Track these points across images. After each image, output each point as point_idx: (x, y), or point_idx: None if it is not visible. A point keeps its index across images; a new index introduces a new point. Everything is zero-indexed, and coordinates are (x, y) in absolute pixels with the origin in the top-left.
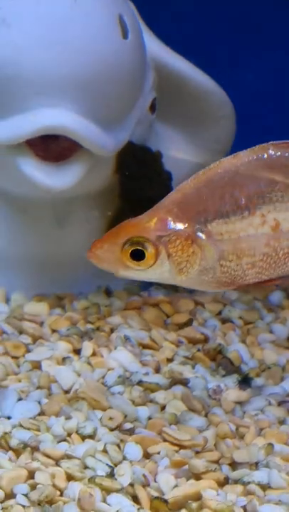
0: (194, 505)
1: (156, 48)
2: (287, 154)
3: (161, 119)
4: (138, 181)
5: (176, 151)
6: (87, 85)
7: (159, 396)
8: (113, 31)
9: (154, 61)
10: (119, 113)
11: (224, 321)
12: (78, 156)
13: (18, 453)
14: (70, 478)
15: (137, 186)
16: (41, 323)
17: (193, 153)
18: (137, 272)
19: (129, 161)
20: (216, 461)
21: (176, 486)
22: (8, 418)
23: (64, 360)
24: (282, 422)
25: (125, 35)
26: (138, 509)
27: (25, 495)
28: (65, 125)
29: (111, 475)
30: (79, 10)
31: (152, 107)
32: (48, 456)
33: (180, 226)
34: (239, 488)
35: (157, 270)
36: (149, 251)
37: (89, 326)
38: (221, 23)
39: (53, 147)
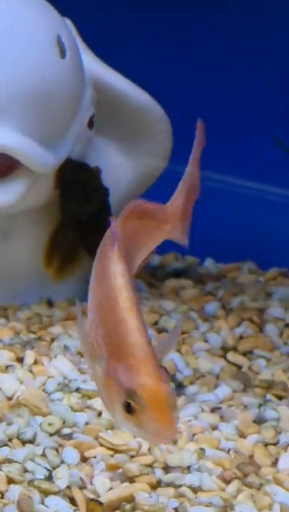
0: (128, 506)
1: (94, 66)
2: None
3: (99, 134)
4: (77, 197)
5: (114, 166)
6: (26, 104)
7: (96, 402)
8: (51, 51)
9: (92, 78)
10: (58, 130)
11: (160, 331)
12: (19, 173)
13: None
14: (10, 481)
15: (76, 202)
16: None
17: (132, 168)
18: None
19: (68, 177)
20: (150, 465)
21: (111, 488)
22: None
23: (7, 368)
24: (214, 428)
25: (63, 55)
26: (74, 510)
27: None
28: (5, 143)
29: (49, 478)
30: (17, 31)
31: (90, 123)
32: None
33: None
34: (171, 490)
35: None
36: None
37: (31, 335)
38: None
39: None
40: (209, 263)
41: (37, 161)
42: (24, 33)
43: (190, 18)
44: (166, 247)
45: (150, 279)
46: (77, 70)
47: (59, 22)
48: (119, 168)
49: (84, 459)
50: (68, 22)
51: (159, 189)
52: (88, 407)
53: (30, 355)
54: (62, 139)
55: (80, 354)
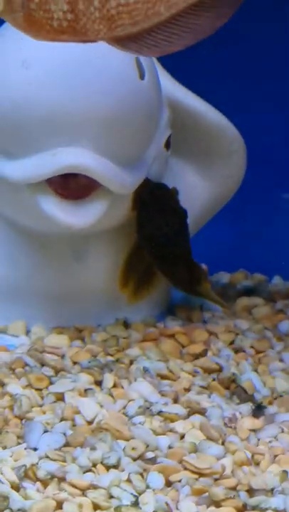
0: None
1: (170, 87)
2: None
3: (175, 155)
4: (154, 218)
5: (190, 186)
6: (106, 125)
7: (179, 425)
8: (130, 72)
9: (168, 99)
10: (136, 151)
11: (237, 351)
12: (97, 194)
13: (45, 484)
14: (96, 507)
15: (154, 223)
16: (62, 356)
17: (207, 189)
18: None
19: (146, 198)
20: (234, 488)
21: None
22: (35, 450)
23: (86, 391)
24: None
25: (142, 76)
26: None
27: None
28: (85, 164)
29: (136, 504)
30: (97, 52)
31: (167, 144)
32: (74, 486)
33: None
34: None
35: None
36: None
37: (109, 358)
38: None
39: (72, 185)
40: (277, 280)
41: (116, 181)
42: (104, 55)
43: None
44: (235, 264)
45: (220, 296)
46: (156, 92)
47: None
48: (195, 189)
49: (169, 484)
50: None
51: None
52: (171, 430)
53: (109, 378)
54: (140, 160)
55: (160, 376)
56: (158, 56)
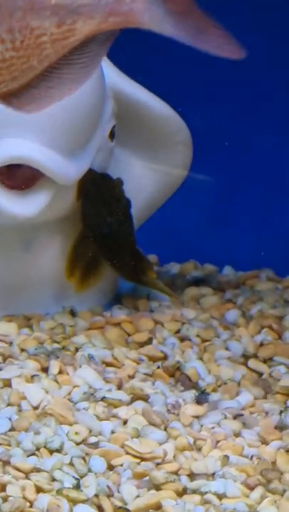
0: None
1: (115, 78)
2: None
3: (120, 145)
4: (99, 208)
5: (136, 176)
6: (49, 116)
7: (122, 411)
8: None
9: (113, 90)
10: (80, 142)
11: (182, 339)
12: (41, 184)
13: None
14: (39, 490)
15: (98, 212)
16: (10, 343)
17: (153, 178)
18: None
19: (90, 188)
20: (175, 472)
21: (138, 496)
22: None
23: (32, 377)
24: (237, 435)
25: None
26: None
27: None
28: (28, 155)
29: (77, 487)
30: None
31: (112, 135)
32: (18, 469)
33: None
34: (197, 497)
35: None
36: None
37: (55, 345)
38: None
39: (17, 176)
40: (228, 271)
41: (59, 171)
42: None
43: None
44: (184, 255)
45: (169, 286)
46: (99, 83)
47: None
48: (141, 179)
49: (111, 467)
50: None
51: (176, 196)
52: (114, 416)
53: (55, 365)
54: (84, 151)
55: (105, 364)
56: (38, 111)
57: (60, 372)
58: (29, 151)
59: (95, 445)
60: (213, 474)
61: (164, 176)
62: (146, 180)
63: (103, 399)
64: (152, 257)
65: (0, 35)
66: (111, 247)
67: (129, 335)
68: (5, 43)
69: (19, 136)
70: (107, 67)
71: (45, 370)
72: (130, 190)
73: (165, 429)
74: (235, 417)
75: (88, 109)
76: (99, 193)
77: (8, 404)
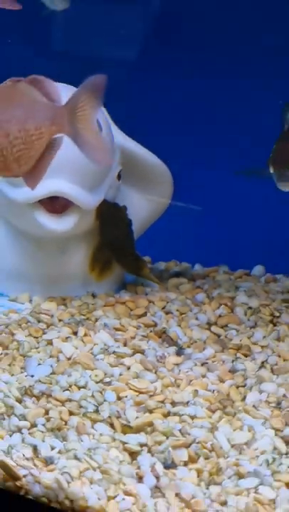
0: (149, 429)
1: (120, 137)
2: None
3: (124, 184)
4: (110, 225)
5: (134, 205)
6: (76, 164)
7: (126, 361)
8: None
9: (119, 145)
10: (97, 181)
11: (167, 313)
12: (72, 210)
13: (38, 398)
14: (71, 413)
15: (110, 228)
16: (52, 316)
17: (146, 207)
18: None
19: (105, 212)
20: (162, 401)
21: (137, 417)
22: (32, 376)
23: (67, 338)
24: (204, 376)
25: (100, 130)
26: (114, 432)
27: (43, 425)
28: (63, 190)
29: (97, 411)
30: None
31: (119, 176)
32: (57, 400)
33: None
34: (176, 418)
35: None
36: None
37: (82, 317)
38: None
39: (55, 204)
40: (198, 267)
41: (83, 201)
42: None
43: None
44: (168, 256)
45: (158, 278)
46: (110, 140)
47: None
48: (137, 207)
49: (119, 398)
50: (103, 109)
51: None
52: (121, 364)
53: (81, 330)
54: (100, 187)
55: (115, 329)
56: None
57: (85, 334)
58: (63, 188)
59: (109, 383)
60: (188, 402)
61: (154, 204)
62: (141, 207)
63: (114, 352)
64: (147, 258)
65: (15, 133)
66: (119, 251)
67: (131, 310)
68: (18, 139)
69: (57, 177)
70: (115, 130)
71: (75, 333)
72: (131, 213)
73: (155, 373)
74: (202, 364)
75: None
76: (110, 215)
77: (50, 356)
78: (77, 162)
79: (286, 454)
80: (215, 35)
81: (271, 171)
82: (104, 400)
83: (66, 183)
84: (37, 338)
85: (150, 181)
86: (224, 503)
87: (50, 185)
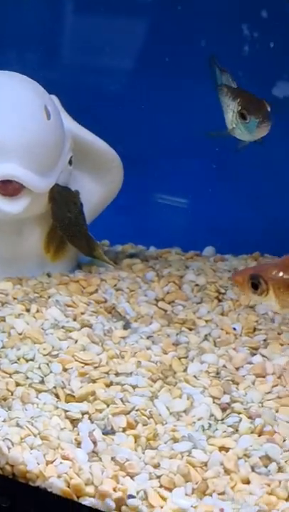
0: (91, 398)
1: (71, 124)
2: None
3: (76, 169)
4: (62, 208)
5: (86, 189)
6: (27, 148)
7: (74, 335)
8: (41, 115)
9: (70, 132)
10: (49, 166)
11: (117, 290)
12: (24, 193)
13: None
14: (17, 384)
15: (62, 211)
16: (7, 294)
17: (97, 191)
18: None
19: (56, 196)
20: (106, 372)
21: (81, 387)
22: None
23: (19, 315)
24: (148, 348)
25: (48, 117)
26: (57, 401)
27: None
28: (15, 174)
29: (42, 382)
30: (20, 103)
31: (70, 162)
32: (5, 372)
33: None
34: (119, 387)
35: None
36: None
37: (36, 295)
38: None
39: (8, 187)
40: (152, 249)
41: (35, 185)
42: (24, 104)
43: None
44: (124, 239)
45: (114, 259)
46: (59, 127)
47: (46, 97)
48: (90, 191)
49: (65, 370)
50: (54, 97)
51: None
52: (69, 337)
53: (34, 307)
54: (51, 171)
55: (67, 305)
56: None
57: (37, 311)
58: (16, 172)
59: (56, 356)
60: (131, 373)
61: (105, 190)
62: (93, 191)
63: (63, 327)
64: (105, 242)
65: None
66: (72, 233)
67: (84, 288)
68: None
69: (10, 161)
70: (66, 117)
71: (28, 310)
72: (83, 197)
73: (102, 345)
74: (147, 338)
75: (53, 144)
76: (62, 198)
77: (2, 332)
78: (30, 147)
79: (222, 420)
80: None
81: (247, 120)
82: (51, 372)
83: (18, 168)
84: None
85: (101, 167)
86: (157, 466)
87: (3, 169)
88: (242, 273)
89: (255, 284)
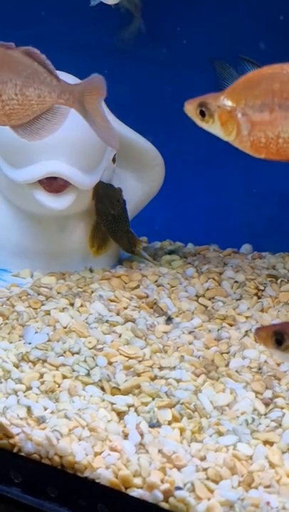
0: (136, 391)
1: (115, 124)
2: None
3: (119, 167)
4: (106, 205)
5: (129, 187)
6: (73, 147)
7: (118, 329)
8: None
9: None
10: (93, 163)
11: (158, 286)
12: (69, 189)
13: (34, 363)
14: (64, 377)
15: (106, 208)
16: (51, 289)
17: (140, 189)
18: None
19: (100, 193)
20: (150, 366)
21: (126, 380)
22: (29, 343)
23: (64, 309)
24: (190, 343)
25: None
26: (103, 394)
27: (38, 387)
28: (61, 171)
29: (88, 375)
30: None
31: (114, 160)
32: (52, 365)
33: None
34: (163, 381)
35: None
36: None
37: (79, 289)
38: None
39: (54, 184)
40: (190, 246)
41: (80, 182)
42: None
43: None
44: (164, 236)
45: (153, 255)
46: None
47: None
48: (132, 189)
49: (110, 363)
50: None
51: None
52: (113, 331)
53: (78, 302)
54: (96, 169)
55: (110, 300)
56: (38, 140)
57: (81, 305)
58: (61, 169)
59: (101, 349)
60: (174, 367)
61: (147, 187)
62: (135, 190)
63: (107, 321)
64: (143, 238)
65: (11, 95)
66: (115, 229)
67: (125, 283)
68: (13, 100)
69: (55, 158)
70: (110, 115)
71: (72, 304)
72: (126, 194)
73: (145, 340)
74: (189, 333)
75: (98, 143)
76: (106, 195)
77: (48, 325)
78: (75, 145)
79: (265, 414)
80: None
81: None
82: (96, 365)
83: (64, 165)
84: (36, 309)
85: (143, 165)
86: (204, 459)
87: (48, 166)
88: (265, 329)
89: (280, 340)
